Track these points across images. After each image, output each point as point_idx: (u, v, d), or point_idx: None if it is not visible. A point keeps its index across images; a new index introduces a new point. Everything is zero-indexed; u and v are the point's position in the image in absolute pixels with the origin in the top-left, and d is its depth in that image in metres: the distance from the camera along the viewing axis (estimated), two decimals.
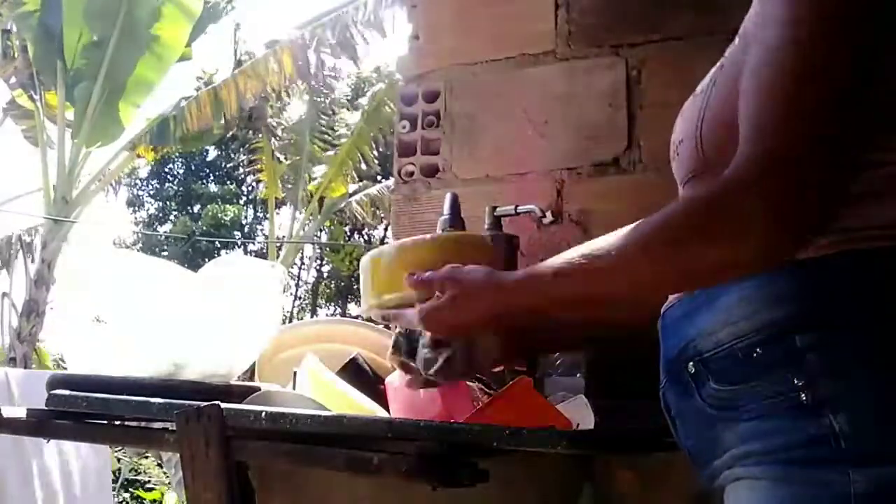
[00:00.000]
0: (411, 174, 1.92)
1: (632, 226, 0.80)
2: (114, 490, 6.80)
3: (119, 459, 7.77)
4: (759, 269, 0.75)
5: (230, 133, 13.69)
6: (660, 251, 0.77)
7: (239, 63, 9.78)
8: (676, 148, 0.90)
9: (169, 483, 6.99)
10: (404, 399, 1.30)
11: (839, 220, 0.73)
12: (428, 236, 1.16)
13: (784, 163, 0.70)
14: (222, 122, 9.51)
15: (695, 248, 0.74)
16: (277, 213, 13.64)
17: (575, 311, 0.95)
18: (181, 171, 17.81)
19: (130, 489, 7.97)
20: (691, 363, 0.80)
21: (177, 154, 15.03)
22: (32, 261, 8.98)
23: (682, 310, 0.83)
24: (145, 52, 8.28)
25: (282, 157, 12.19)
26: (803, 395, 0.71)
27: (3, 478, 3.37)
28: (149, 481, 8.36)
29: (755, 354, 0.74)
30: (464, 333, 0.99)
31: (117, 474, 7.31)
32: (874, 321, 0.71)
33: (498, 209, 1.68)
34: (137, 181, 17.50)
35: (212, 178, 17.93)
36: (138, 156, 9.85)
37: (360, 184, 12.69)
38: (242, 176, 16.95)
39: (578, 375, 1.43)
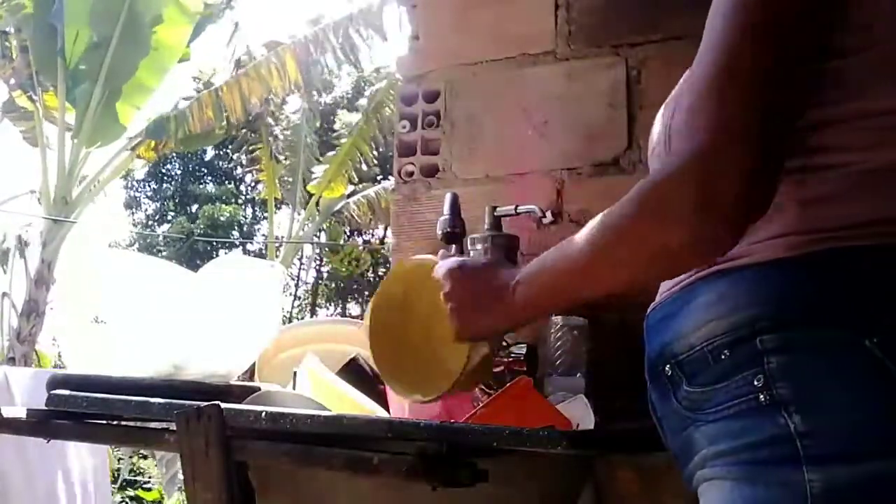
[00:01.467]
0: (411, 174, 1.92)
1: (593, 221, 0.83)
2: (113, 490, 6.81)
3: (119, 459, 7.77)
4: (695, 256, 0.77)
5: (230, 134, 13.71)
6: (607, 245, 0.81)
7: (238, 63, 9.77)
8: (651, 152, 0.92)
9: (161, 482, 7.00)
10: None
11: (802, 221, 0.74)
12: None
13: (711, 154, 0.72)
14: (224, 123, 9.50)
15: (633, 237, 0.78)
16: (277, 212, 13.65)
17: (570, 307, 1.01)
18: (179, 172, 17.80)
19: (130, 489, 7.97)
20: (668, 366, 0.81)
21: (174, 155, 15.03)
22: (30, 260, 8.97)
23: (661, 313, 0.85)
24: (146, 54, 8.26)
25: (281, 158, 12.18)
26: (762, 395, 0.73)
27: (6, 476, 3.37)
28: (148, 481, 8.35)
29: (723, 356, 0.76)
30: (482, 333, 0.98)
31: (116, 474, 7.31)
32: (830, 323, 0.72)
33: (498, 209, 1.68)
34: (134, 182, 17.50)
35: (210, 178, 17.92)
36: (138, 156, 9.85)
37: (360, 185, 12.70)
38: (241, 176, 16.96)
39: (578, 375, 1.43)
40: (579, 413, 1.16)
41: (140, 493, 7.52)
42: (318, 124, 12.17)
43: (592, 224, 0.83)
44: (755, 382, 0.73)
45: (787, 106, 0.74)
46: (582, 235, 0.84)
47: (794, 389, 0.72)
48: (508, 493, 1.21)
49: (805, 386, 0.72)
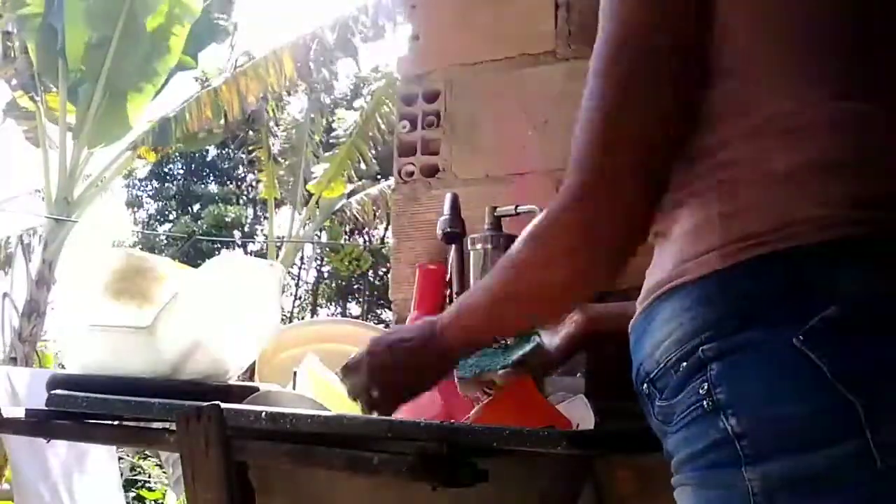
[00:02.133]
0: (411, 174, 1.92)
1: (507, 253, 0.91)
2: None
3: (120, 459, 7.78)
4: (581, 287, 0.88)
5: (231, 134, 13.70)
6: (507, 281, 0.90)
7: (236, 63, 9.78)
8: None
9: (168, 484, 7.00)
10: None
11: (729, 232, 0.78)
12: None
13: (591, 192, 0.81)
14: (222, 122, 9.50)
15: (524, 274, 0.88)
16: (277, 213, 13.65)
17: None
18: (181, 172, 17.81)
19: (132, 489, 7.97)
20: (644, 385, 0.85)
21: (176, 155, 15.04)
22: (30, 260, 8.98)
23: (634, 335, 0.88)
24: (146, 54, 8.27)
25: (280, 158, 12.18)
26: (706, 402, 0.76)
27: (22, 474, 3.38)
28: (148, 481, 8.36)
29: (680, 369, 0.79)
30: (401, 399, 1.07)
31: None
32: (760, 325, 0.74)
33: (498, 209, 1.68)
34: (136, 181, 17.50)
35: (211, 178, 17.93)
36: (139, 157, 9.85)
37: (360, 183, 12.70)
38: (242, 175, 16.96)
39: (578, 375, 1.42)
40: (579, 413, 1.16)
41: (144, 493, 7.52)
42: (317, 124, 12.16)
43: (499, 263, 0.92)
44: (700, 391, 0.76)
45: (653, 148, 0.81)
46: (493, 273, 0.93)
47: (730, 392, 0.74)
48: (508, 493, 1.21)
49: (739, 388, 0.74)
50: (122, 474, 7.27)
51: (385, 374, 1.03)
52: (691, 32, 0.80)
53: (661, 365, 0.81)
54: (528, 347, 1.16)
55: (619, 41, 0.82)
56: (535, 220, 0.86)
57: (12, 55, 8.96)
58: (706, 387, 0.75)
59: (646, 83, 0.81)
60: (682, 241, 0.82)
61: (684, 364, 0.78)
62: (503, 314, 0.93)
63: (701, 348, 0.76)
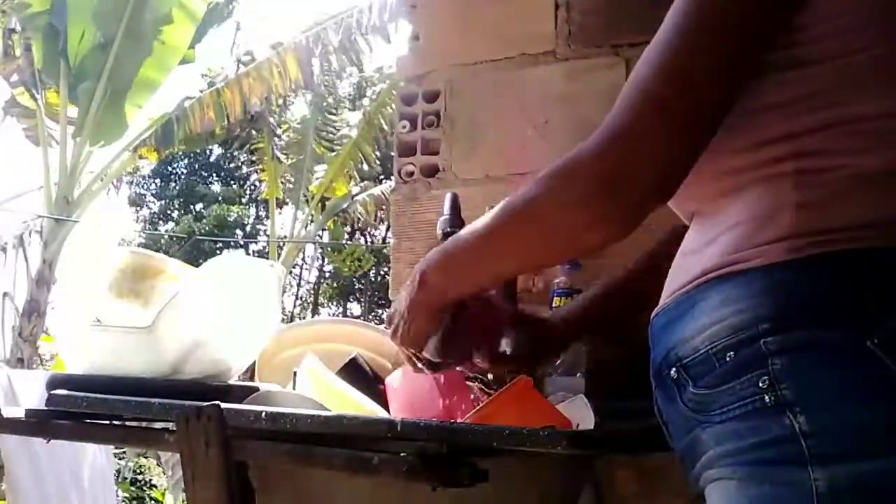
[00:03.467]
0: (411, 174, 1.92)
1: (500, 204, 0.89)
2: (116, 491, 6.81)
3: (121, 458, 7.78)
4: (600, 236, 0.83)
5: (234, 134, 13.69)
6: (519, 218, 0.87)
7: (239, 63, 9.77)
8: None
9: (166, 487, 7.00)
10: (404, 399, 1.30)
11: (801, 224, 0.76)
12: None
13: (621, 139, 0.79)
14: (225, 123, 9.50)
15: (542, 213, 0.85)
16: (279, 213, 13.65)
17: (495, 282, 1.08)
18: (184, 171, 17.81)
19: (133, 489, 7.97)
20: (673, 369, 0.82)
21: (180, 154, 15.03)
22: (26, 258, 8.97)
23: (665, 318, 0.85)
24: (149, 53, 8.27)
25: (283, 158, 12.18)
26: (767, 396, 0.74)
27: (15, 475, 3.38)
28: (149, 480, 8.36)
29: (728, 358, 0.76)
30: (422, 340, 1.04)
31: (117, 475, 7.31)
32: (832, 324, 0.73)
33: None
34: (140, 179, 17.50)
35: (215, 177, 17.93)
36: (140, 157, 9.84)
37: (362, 184, 12.70)
38: (245, 175, 16.96)
39: (578, 375, 1.42)
40: (579, 413, 1.16)
41: (154, 493, 7.52)
42: (320, 124, 12.16)
43: (500, 206, 0.88)
44: (760, 384, 0.74)
45: (711, 109, 0.79)
46: (489, 217, 0.89)
47: (798, 390, 0.72)
48: (508, 493, 1.21)
49: (809, 387, 0.72)
50: (123, 474, 7.28)
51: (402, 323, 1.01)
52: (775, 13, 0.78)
53: (701, 352, 0.78)
54: None
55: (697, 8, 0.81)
56: (559, 162, 0.84)
57: (13, 53, 8.96)
58: (767, 381, 0.73)
59: (711, 51, 0.79)
60: (745, 227, 0.79)
61: (732, 354, 0.76)
62: (499, 258, 0.91)
63: (763, 340, 0.74)
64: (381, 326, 1.55)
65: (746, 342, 0.75)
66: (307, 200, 12.04)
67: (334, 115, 12.65)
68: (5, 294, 8.57)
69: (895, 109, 0.76)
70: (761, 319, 0.75)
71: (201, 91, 9.81)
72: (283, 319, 1.60)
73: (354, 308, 16.81)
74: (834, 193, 0.76)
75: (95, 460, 3.73)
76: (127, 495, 7.13)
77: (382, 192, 11.61)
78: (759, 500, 0.74)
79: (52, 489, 3.45)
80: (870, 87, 0.77)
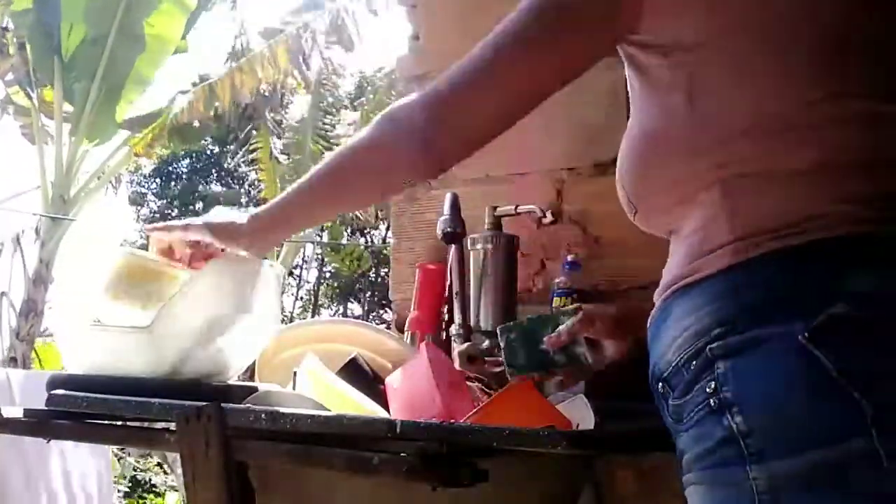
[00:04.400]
0: None
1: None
2: (119, 492, 6.81)
3: (121, 458, 7.77)
4: (410, 173, 1.05)
5: (232, 135, 13.68)
6: (345, 162, 1.07)
7: (235, 55, 9.76)
8: None
9: (175, 485, 7.00)
10: (404, 399, 1.30)
11: (737, 228, 0.78)
12: None
13: (435, 106, 1.00)
14: (212, 114, 9.47)
15: (363, 150, 1.04)
16: None
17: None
18: (185, 171, 17.80)
19: (136, 490, 7.96)
20: (659, 383, 0.85)
21: (182, 153, 15.02)
22: (23, 258, 8.96)
23: (650, 333, 0.88)
24: (142, 49, 8.25)
25: (282, 157, 12.18)
26: (712, 400, 0.76)
27: (5, 479, 3.37)
28: (150, 480, 8.35)
29: (691, 367, 0.79)
30: None
31: (118, 477, 7.31)
32: (766, 322, 0.74)
33: (498, 209, 1.68)
34: (141, 178, 17.49)
35: (215, 177, 17.92)
36: (136, 154, 9.82)
37: None
38: (245, 175, 16.95)
39: None
40: (579, 413, 1.16)
41: (155, 501, 7.51)
42: (319, 123, 12.16)
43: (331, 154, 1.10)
44: (707, 389, 0.76)
45: (508, 106, 1.02)
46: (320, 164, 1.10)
47: (736, 390, 0.74)
48: (508, 493, 1.21)
49: (745, 386, 0.74)
50: (123, 474, 7.27)
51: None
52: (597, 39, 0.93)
53: (674, 364, 0.81)
54: (578, 358, 1.15)
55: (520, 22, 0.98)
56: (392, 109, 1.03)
57: (7, 51, 8.94)
58: (713, 385, 0.75)
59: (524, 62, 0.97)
60: (693, 239, 0.82)
61: (694, 362, 0.78)
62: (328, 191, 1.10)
63: (709, 346, 0.76)
64: (383, 326, 1.55)
65: (701, 350, 0.77)
66: None
67: (333, 115, 12.65)
68: (2, 293, 8.56)
69: (795, 106, 0.78)
70: (710, 327, 0.77)
71: (194, 84, 9.78)
72: (283, 320, 1.60)
73: (355, 308, 16.80)
74: (758, 197, 0.78)
75: (90, 463, 3.72)
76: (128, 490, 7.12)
77: None
78: (714, 501, 0.76)
79: (42, 491, 3.45)
80: (772, 88, 0.79)
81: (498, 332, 1.18)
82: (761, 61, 0.80)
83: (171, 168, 17.45)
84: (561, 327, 1.12)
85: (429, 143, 0.97)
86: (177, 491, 6.89)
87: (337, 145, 11.81)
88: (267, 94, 9.99)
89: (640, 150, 0.89)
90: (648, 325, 0.88)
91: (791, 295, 0.74)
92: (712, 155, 0.81)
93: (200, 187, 17.35)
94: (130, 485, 7.82)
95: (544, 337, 1.13)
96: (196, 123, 9.40)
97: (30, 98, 9.00)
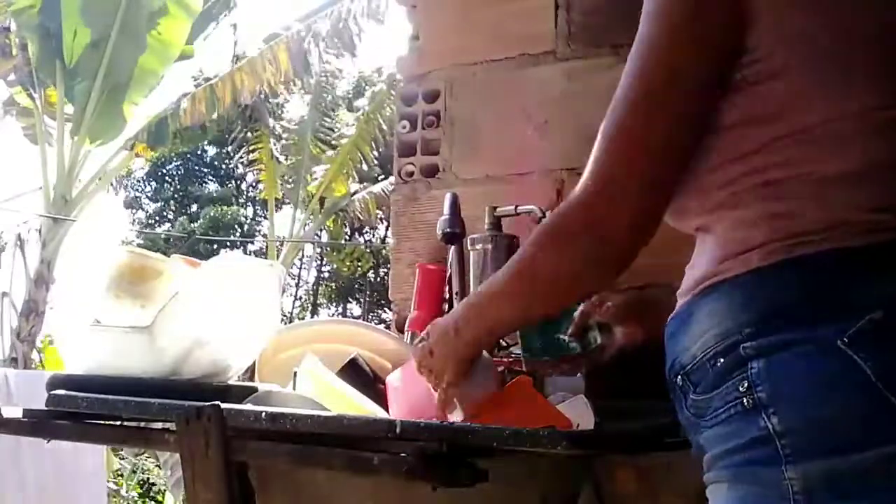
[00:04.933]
0: (411, 174, 1.92)
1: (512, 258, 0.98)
2: (120, 492, 6.80)
3: (122, 458, 7.77)
4: (592, 282, 0.94)
5: (231, 135, 13.69)
6: (521, 272, 0.95)
7: (237, 59, 9.77)
8: None
9: (166, 486, 6.99)
10: (404, 399, 1.30)
11: (773, 231, 0.79)
12: None
13: (601, 187, 0.86)
14: (214, 116, 9.47)
15: (538, 263, 0.93)
16: (278, 211, 13.65)
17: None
18: (179, 173, 17.80)
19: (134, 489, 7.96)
20: (678, 377, 0.85)
21: (175, 155, 15.02)
22: (24, 258, 8.96)
23: (671, 328, 0.89)
24: (145, 51, 8.24)
25: (282, 158, 12.19)
26: (746, 399, 0.76)
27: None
28: (149, 478, 8.35)
29: (718, 364, 0.79)
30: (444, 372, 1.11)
31: (116, 475, 7.30)
32: (805, 324, 0.75)
33: (498, 209, 1.68)
34: (135, 182, 17.49)
35: (210, 178, 17.92)
36: (137, 154, 9.83)
37: (361, 185, 12.70)
38: (242, 175, 16.96)
39: (578, 375, 1.42)
40: (579, 413, 1.16)
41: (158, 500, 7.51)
42: (318, 124, 12.16)
43: (506, 266, 0.97)
44: (740, 388, 0.77)
45: (669, 158, 0.85)
46: (501, 273, 0.99)
47: (772, 391, 0.75)
48: (508, 493, 1.21)
49: (781, 387, 0.75)
50: (122, 473, 7.27)
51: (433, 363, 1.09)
52: (722, 49, 0.83)
53: (698, 359, 0.82)
54: (591, 343, 1.19)
55: (647, 59, 0.86)
56: (545, 223, 0.92)
57: (10, 52, 8.94)
58: (746, 384, 0.76)
59: (659, 102, 0.84)
60: (724, 239, 0.83)
61: (722, 360, 0.79)
62: (517, 309, 0.99)
63: (742, 345, 0.77)
64: (381, 326, 1.55)
65: (731, 348, 0.78)
66: (306, 201, 12.04)
67: (332, 116, 12.65)
68: (4, 294, 8.56)
69: (837, 114, 0.79)
70: (743, 325, 0.78)
71: (196, 86, 9.79)
72: (281, 320, 1.60)
73: (354, 308, 16.80)
74: (798, 201, 0.79)
75: (84, 463, 3.72)
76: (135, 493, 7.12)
77: (383, 190, 11.61)
78: (743, 500, 0.76)
79: (33, 491, 3.45)
80: (816, 98, 0.80)
81: None
82: (810, 70, 0.81)
83: (164, 171, 17.45)
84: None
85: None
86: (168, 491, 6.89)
87: (336, 146, 11.83)
88: (267, 95, 9.99)
89: None
90: (670, 319, 0.89)
91: (829, 298, 0.75)
92: (755, 158, 0.81)
93: (194, 188, 17.35)
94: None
95: (560, 325, 1.17)
96: (199, 125, 9.41)
97: (32, 99, 8.99)
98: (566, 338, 1.17)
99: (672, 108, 0.84)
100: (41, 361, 8.04)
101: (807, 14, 0.82)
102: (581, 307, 1.18)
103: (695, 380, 0.82)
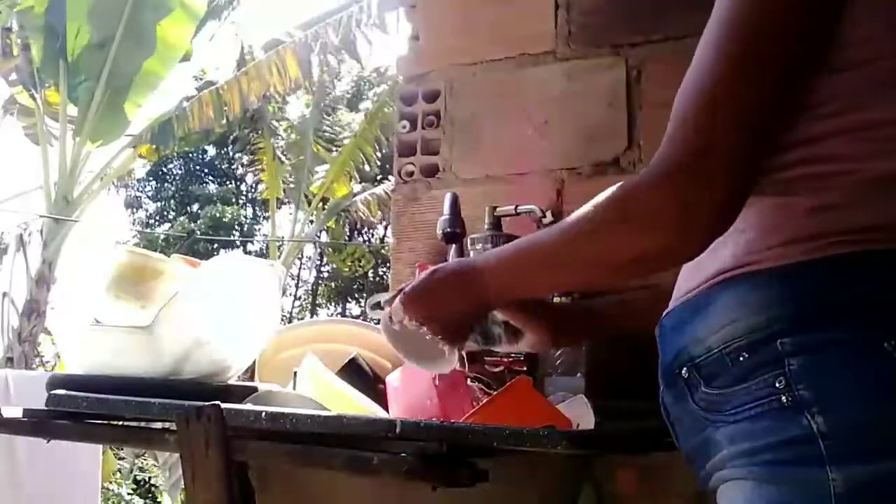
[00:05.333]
0: (411, 174, 1.92)
1: (568, 218, 0.87)
2: (119, 491, 6.80)
3: (122, 459, 7.77)
4: (671, 260, 0.83)
5: (233, 135, 13.70)
6: (580, 242, 0.86)
7: (243, 62, 9.77)
8: None
9: (164, 488, 6.99)
10: (404, 399, 1.30)
11: (815, 226, 0.76)
12: None
13: (693, 161, 0.77)
14: (224, 121, 9.50)
15: (608, 238, 0.83)
16: (279, 210, 13.65)
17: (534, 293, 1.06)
18: (179, 172, 17.80)
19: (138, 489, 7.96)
20: (685, 369, 0.82)
21: (176, 154, 15.02)
22: (25, 258, 8.96)
23: (676, 319, 0.86)
24: (148, 51, 8.26)
25: (283, 158, 12.19)
26: (784, 397, 0.74)
27: None
28: (148, 480, 8.35)
29: (741, 358, 0.77)
30: (465, 334, 1.04)
31: (116, 475, 7.30)
32: (849, 324, 0.73)
33: (498, 209, 1.68)
34: (136, 182, 17.49)
35: (211, 178, 17.92)
36: (140, 156, 9.83)
37: (362, 185, 12.70)
38: (242, 175, 16.95)
39: (578, 375, 1.43)
40: (579, 413, 1.16)
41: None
42: (320, 124, 12.16)
43: (568, 221, 0.87)
44: (776, 384, 0.74)
45: (764, 134, 0.78)
46: (557, 230, 0.89)
47: (816, 391, 0.73)
48: (508, 493, 1.21)
49: (826, 387, 0.73)
50: (122, 473, 7.27)
51: (424, 302, 1.00)
52: (823, 24, 0.77)
53: (714, 351, 0.79)
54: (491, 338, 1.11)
55: (745, 20, 0.78)
56: (618, 189, 0.82)
57: (11, 51, 8.94)
58: (783, 381, 0.74)
59: (763, 69, 0.77)
60: (759, 230, 0.79)
61: (746, 354, 0.76)
62: (562, 273, 0.90)
63: (779, 341, 0.74)
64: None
65: (762, 342, 0.75)
66: (307, 201, 12.04)
67: (334, 116, 12.65)
68: (5, 294, 8.56)
69: (885, 116, 0.77)
70: (777, 320, 0.75)
71: (199, 90, 9.80)
72: (281, 320, 1.60)
73: (354, 308, 16.79)
74: (847, 197, 0.76)
75: (79, 463, 3.73)
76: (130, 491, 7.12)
77: (384, 191, 11.62)
78: (776, 500, 0.74)
79: (28, 490, 3.45)
80: (888, 95, 0.77)
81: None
82: (873, 68, 0.78)
83: (164, 170, 17.44)
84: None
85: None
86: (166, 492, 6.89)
87: (338, 146, 11.83)
88: (269, 96, 10.00)
89: None
90: (674, 308, 0.86)
91: (872, 300, 0.73)
92: (804, 149, 0.79)
93: (195, 188, 17.35)
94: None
95: None
96: (206, 130, 9.42)
97: (34, 99, 9.00)
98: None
99: (772, 81, 0.77)
100: (42, 362, 8.03)
101: (882, 8, 0.78)
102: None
103: (707, 373, 0.80)
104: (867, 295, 0.74)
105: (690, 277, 0.85)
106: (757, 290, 0.77)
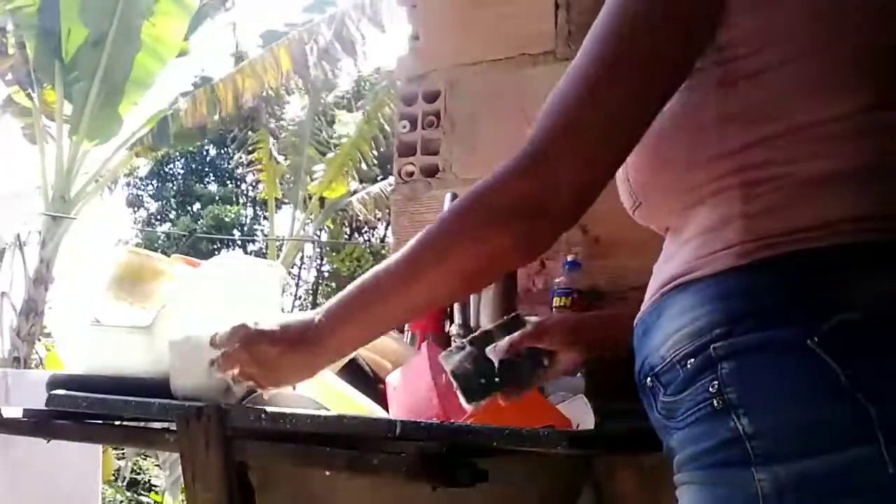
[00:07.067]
0: (411, 174, 1.92)
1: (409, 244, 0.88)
2: (119, 491, 6.80)
3: (121, 458, 7.77)
4: (519, 259, 0.86)
5: (231, 134, 13.69)
6: (431, 259, 0.86)
7: (240, 59, 9.77)
8: None
9: (164, 488, 6.99)
10: (404, 399, 1.30)
11: (749, 231, 0.78)
12: None
13: (536, 167, 0.80)
14: (217, 118, 9.49)
15: (463, 245, 0.85)
16: (278, 211, 13.64)
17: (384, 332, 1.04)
18: (181, 172, 17.80)
19: (133, 490, 7.95)
20: (648, 378, 0.84)
21: (177, 154, 15.02)
22: (23, 257, 8.96)
23: (640, 329, 0.87)
24: (143, 50, 8.25)
25: (281, 158, 12.18)
26: (716, 400, 0.75)
27: None
28: (148, 480, 8.35)
29: (688, 365, 0.78)
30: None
31: (115, 474, 7.30)
32: (775, 325, 0.74)
33: None
34: (137, 180, 17.49)
35: (212, 177, 17.92)
36: (137, 155, 9.83)
37: (361, 185, 12.70)
38: (242, 175, 16.95)
39: (578, 375, 1.43)
40: (579, 413, 1.16)
41: (153, 496, 7.49)
42: (318, 124, 12.16)
43: (406, 247, 0.88)
44: (710, 388, 0.76)
45: (613, 139, 0.81)
46: (395, 259, 0.90)
47: (742, 392, 0.74)
48: (508, 493, 1.21)
49: (751, 388, 0.74)
50: (120, 473, 7.27)
51: (260, 362, 1.01)
52: (690, 40, 0.80)
53: (668, 359, 0.80)
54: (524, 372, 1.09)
55: (614, 44, 0.82)
56: (463, 196, 0.84)
57: (6, 51, 8.93)
58: (716, 385, 0.75)
59: (616, 79, 0.81)
60: (700, 238, 0.82)
61: (692, 360, 0.77)
62: (415, 295, 0.90)
63: (712, 346, 0.76)
64: None
65: (701, 348, 0.77)
66: (306, 200, 12.04)
67: (332, 116, 12.65)
68: (3, 294, 8.56)
69: (822, 117, 0.78)
70: (714, 325, 0.76)
71: (195, 87, 9.79)
72: None
73: None
74: (777, 201, 0.78)
75: (78, 463, 3.73)
76: (122, 498, 7.11)
77: (382, 190, 11.61)
78: (712, 501, 0.76)
79: (25, 490, 3.45)
80: (804, 98, 0.79)
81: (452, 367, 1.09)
82: (795, 70, 0.79)
83: (166, 169, 17.44)
84: (501, 342, 1.08)
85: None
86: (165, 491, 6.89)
87: (336, 145, 11.83)
88: (267, 95, 9.99)
89: (657, 146, 0.86)
90: (637, 320, 0.88)
91: (801, 298, 0.74)
92: (735, 158, 0.80)
93: (196, 187, 17.34)
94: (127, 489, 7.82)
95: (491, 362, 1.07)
96: (200, 126, 9.42)
97: (30, 98, 8.99)
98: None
99: (627, 89, 0.80)
100: (40, 361, 8.03)
101: (795, 9, 0.80)
102: (512, 338, 1.08)
103: (665, 381, 0.81)
104: (793, 295, 0.74)
105: (650, 287, 0.87)
106: (696, 298, 0.79)
